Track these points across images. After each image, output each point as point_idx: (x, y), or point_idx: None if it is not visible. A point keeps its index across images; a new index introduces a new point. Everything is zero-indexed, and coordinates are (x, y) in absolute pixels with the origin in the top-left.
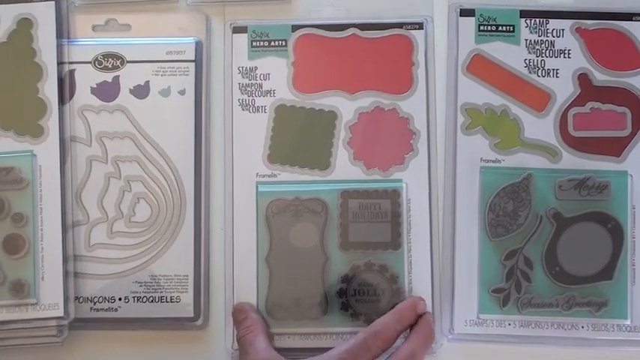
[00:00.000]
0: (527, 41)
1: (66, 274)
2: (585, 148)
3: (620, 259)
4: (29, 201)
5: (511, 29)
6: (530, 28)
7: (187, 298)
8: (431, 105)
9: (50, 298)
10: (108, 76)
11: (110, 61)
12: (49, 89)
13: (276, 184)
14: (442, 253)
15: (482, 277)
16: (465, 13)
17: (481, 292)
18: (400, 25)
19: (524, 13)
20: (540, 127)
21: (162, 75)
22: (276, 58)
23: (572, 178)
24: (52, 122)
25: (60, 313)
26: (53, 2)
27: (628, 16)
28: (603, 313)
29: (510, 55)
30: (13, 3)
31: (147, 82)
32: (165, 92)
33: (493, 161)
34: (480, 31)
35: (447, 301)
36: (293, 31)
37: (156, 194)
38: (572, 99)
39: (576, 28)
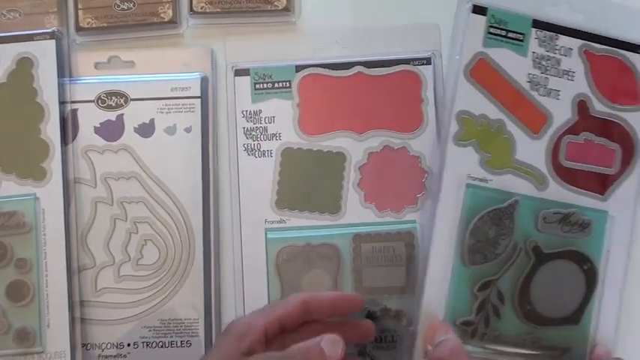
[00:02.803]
0: (535, 54)
1: (72, 320)
2: (573, 180)
3: (589, 304)
4: (33, 246)
5: (520, 37)
6: (539, 41)
7: (198, 342)
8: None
9: (57, 346)
10: (112, 115)
11: (114, 99)
12: (51, 130)
13: (285, 230)
14: (420, 269)
15: (452, 306)
16: (478, 10)
17: (448, 321)
18: (407, 62)
19: (537, 23)
20: (533, 151)
21: (167, 112)
22: (280, 100)
23: (557, 212)
24: (54, 164)
25: None
26: (54, 40)
27: (634, 47)
28: (564, 359)
29: (516, 66)
30: (13, 42)
31: (152, 120)
32: (170, 130)
33: (481, 179)
34: (489, 33)
35: (414, 326)
36: (297, 72)
37: (163, 236)
38: (568, 126)
39: (584, 50)
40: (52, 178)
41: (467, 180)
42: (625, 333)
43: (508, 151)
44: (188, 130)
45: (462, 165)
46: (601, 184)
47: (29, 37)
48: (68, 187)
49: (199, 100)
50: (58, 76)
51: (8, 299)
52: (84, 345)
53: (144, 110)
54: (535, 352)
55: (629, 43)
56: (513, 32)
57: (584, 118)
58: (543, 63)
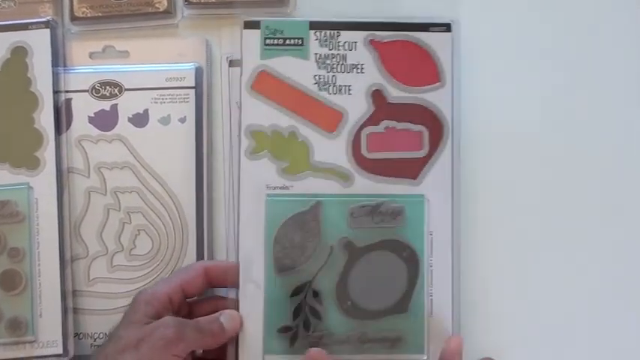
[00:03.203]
0: (317, 55)
1: (65, 310)
2: (380, 170)
3: (416, 290)
4: (26, 235)
5: (300, 42)
6: (320, 41)
7: None
8: None
9: (49, 335)
10: (106, 105)
11: (108, 89)
12: (45, 119)
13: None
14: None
15: (269, 315)
16: (250, 25)
17: (266, 331)
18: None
19: (314, 25)
20: (331, 149)
21: (161, 102)
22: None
23: (365, 205)
24: (48, 153)
25: (59, 350)
26: (48, 30)
27: (424, 27)
28: (398, 348)
29: (299, 71)
30: (7, 31)
31: (146, 111)
32: (165, 120)
33: (281, 188)
34: (266, 45)
35: (231, 342)
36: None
37: (157, 226)
38: (366, 118)
39: (370, 40)
40: (46, 168)
41: (266, 190)
42: (462, 314)
43: (305, 155)
44: (182, 120)
45: (259, 177)
46: (412, 169)
47: (24, 26)
48: (62, 177)
49: (194, 90)
50: (53, 66)
51: (1, 288)
52: (76, 334)
53: (138, 100)
54: (364, 346)
55: (417, 24)
56: (291, 39)
57: (382, 107)
58: (328, 62)
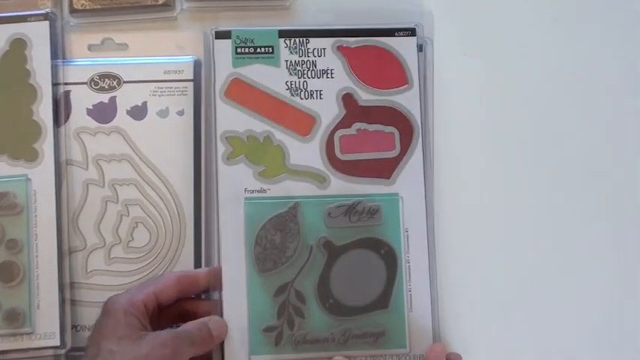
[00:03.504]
0: (288, 62)
1: (62, 302)
2: (354, 171)
3: (395, 286)
4: (24, 227)
5: (270, 50)
6: (290, 49)
7: None
8: None
9: (46, 327)
10: (104, 97)
11: (106, 81)
12: (43, 111)
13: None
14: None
15: (253, 315)
16: (221, 35)
17: (252, 331)
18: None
19: (283, 33)
20: (306, 152)
21: (160, 95)
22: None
23: (341, 204)
24: (47, 145)
25: (56, 342)
26: (47, 22)
27: (390, 32)
28: (381, 343)
29: (271, 77)
30: (6, 23)
31: (144, 103)
32: (163, 113)
33: (258, 191)
34: (237, 53)
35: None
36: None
37: (154, 218)
38: (338, 121)
39: (338, 47)
40: (44, 160)
41: (244, 194)
42: (441, 307)
43: (281, 159)
44: (180, 113)
45: (237, 181)
46: (385, 169)
47: (23, 19)
48: (60, 169)
49: (192, 83)
50: (52, 58)
51: None
52: (74, 326)
53: (137, 93)
54: (348, 343)
55: (383, 29)
56: (262, 47)
57: (353, 110)
58: (298, 68)
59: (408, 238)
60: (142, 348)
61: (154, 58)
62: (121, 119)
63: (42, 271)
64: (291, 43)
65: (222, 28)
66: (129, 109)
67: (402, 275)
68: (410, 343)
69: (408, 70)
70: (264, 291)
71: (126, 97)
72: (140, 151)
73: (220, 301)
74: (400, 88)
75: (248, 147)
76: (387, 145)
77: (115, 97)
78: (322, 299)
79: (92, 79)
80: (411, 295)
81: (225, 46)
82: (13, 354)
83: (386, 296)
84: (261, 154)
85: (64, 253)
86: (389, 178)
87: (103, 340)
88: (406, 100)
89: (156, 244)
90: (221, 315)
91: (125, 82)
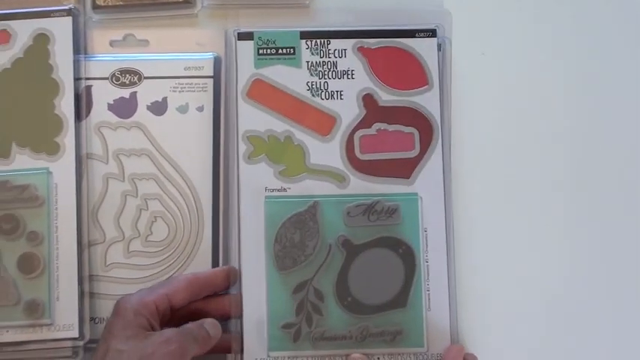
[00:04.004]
0: (309, 63)
1: (82, 294)
2: (374, 171)
3: (414, 286)
4: (45, 219)
5: (292, 51)
6: (311, 50)
7: None
8: None
9: (65, 318)
10: (125, 93)
11: (128, 77)
12: (65, 105)
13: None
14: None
15: (272, 312)
16: (243, 36)
17: (271, 328)
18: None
19: (305, 35)
20: (326, 152)
21: (180, 91)
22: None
23: (360, 204)
24: (68, 139)
25: (75, 334)
26: (70, 17)
27: (411, 33)
28: (398, 341)
29: (292, 78)
30: (30, 18)
31: (164, 99)
32: (183, 109)
33: (279, 190)
34: (259, 54)
35: (236, 338)
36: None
37: (173, 213)
38: (358, 121)
39: (359, 48)
40: (65, 153)
41: (265, 193)
42: (459, 307)
43: (301, 158)
44: (200, 109)
45: (258, 180)
46: (405, 169)
47: (46, 14)
48: (80, 163)
49: (212, 79)
50: (74, 53)
51: (19, 271)
52: (92, 319)
53: (157, 88)
54: (366, 341)
55: (404, 30)
56: (283, 48)
57: (373, 111)
58: (319, 69)
59: (426, 237)
60: (147, 347)
61: (174, 54)
62: (142, 114)
63: (62, 263)
64: (313, 45)
65: (245, 29)
66: (149, 104)
67: (421, 274)
68: (427, 342)
69: (428, 70)
70: (283, 288)
71: (146, 93)
72: (160, 146)
73: (240, 297)
74: (420, 88)
75: (269, 146)
76: (406, 145)
77: (135, 92)
78: (340, 297)
79: (113, 75)
80: (429, 294)
81: (247, 47)
82: (33, 345)
83: (404, 295)
84: (281, 154)
85: (83, 245)
86: (408, 178)
87: (112, 339)
88: (426, 101)
89: (174, 238)
90: (240, 312)
91: (146, 77)
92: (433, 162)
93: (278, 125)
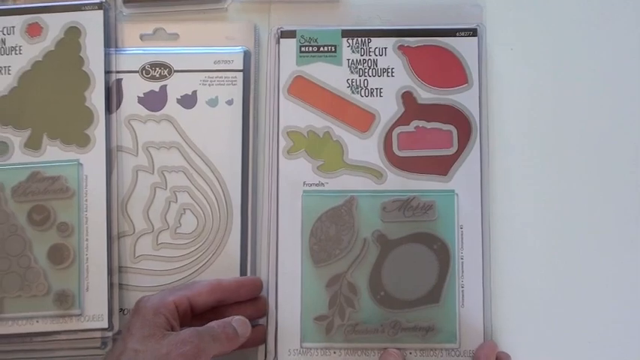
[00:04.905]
0: (350, 61)
1: (111, 285)
2: (411, 167)
3: (447, 282)
4: (75, 211)
5: (333, 49)
6: (352, 48)
7: None
8: None
9: (95, 309)
10: (155, 86)
11: (158, 70)
12: (96, 98)
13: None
14: (267, 280)
15: (306, 304)
16: (286, 35)
17: (304, 319)
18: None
19: (346, 33)
20: (364, 148)
21: (209, 85)
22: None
23: (396, 199)
24: (98, 131)
25: (104, 324)
26: (101, 11)
27: (452, 32)
28: (430, 337)
29: (333, 75)
30: (62, 12)
31: (194, 92)
32: (212, 102)
33: (317, 184)
34: (301, 52)
35: (271, 329)
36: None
37: (202, 205)
38: (397, 118)
39: (399, 46)
40: (96, 145)
41: (303, 187)
42: (493, 306)
43: (339, 154)
44: (230, 102)
45: (296, 174)
46: (442, 166)
47: (78, 7)
48: (111, 155)
49: (241, 73)
50: (105, 46)
51: (49, 262)
52: (121, 310)
53: (187, 82)
54: (398, 335)
55: (445, 29)
56: (325, 46)
57: (412, 108)
58: (360, 67)
59: (462, 234)
60: (162, 347)
61: (204, 48)
62: (171, 107)
63: (91, 254)
64: (354, 43)
65: (288, 27)
66: (179, 97)
67: (455, 271)
68: (460, 338)
69: (467, 69)
70: (318, 281)
71: (176, 86)
72: (189, 139)
73: (275, 288)
74: (459, 87)
75: (308, 142)
76: (444, 143)
77: (165, 85)
78: (374, 291)
79: (144, 68)
80: (463, 291)
81: (289, 45)
82: (62, 335)
83: (437, 291)
84: (320, 149)
85: (113, 237)
86: (445, 175)
87: (130, 337)
88: (465, 99)
89: (203, 230)
90: (276, 307)
91: (176, 71)
92: (471, 160)
93: (318, 121)
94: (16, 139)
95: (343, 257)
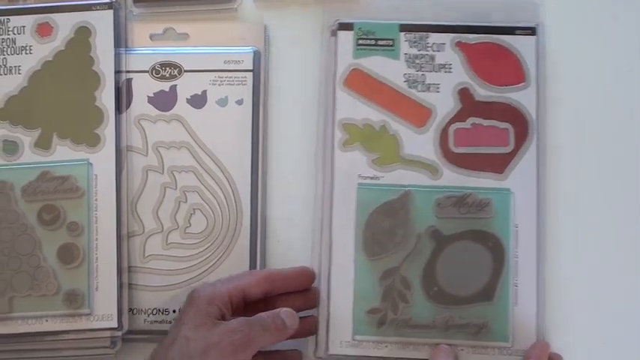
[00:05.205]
0: (407, 55)
1: (120, 285)
2: (467, 164)
3: (501, 280)
4: (84, 210)
5: (390, 43)
6: (410, 43)
7: None
8: None
9: (104, 308)
10: (165, 86)
11: (168, 70)
12: (106, 98)
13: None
14: (319, 272)
15: (358, 296)
16: (344, 27)
17: (356, 312)
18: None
19: (404, 27)
20: (420, 143)
21: (219, 85)
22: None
23: (451, 195)
24: (108, 131)
25: (114, 324)
26: (111, 11)
27: (510, 30)
28: (483, 335)
29: (390, 69)
30: (72, 11)
31: (204, 92)
32: (222, 102)
33: (371, 178)
34: (358, 45)
35: (323, 320)
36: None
37: (212, 205)
38: (453, 114)
39: (457, 42)
40: (106, 145)
41: (358, 180)
42: (547, 305)
43: (395, 148)
44: (239, 102)
45: (352, 167)
46: (498, 164)
47: (88, 7)
48: (120, 154)
49: (251, 73)
50: (115, 46)
51: (59, 261)
52: (130, 309)
53: (197, 82)
54: (449, 332)
55: (503, 27)
56: (383, 40)
57: (469, 105)
58: (417, 61)
59: (517, 233)
60: (213, 335)
61: (214, 48)
62: (181, 107)
63: (101, 254)
64: (412, 37)
65: (345, 20)
66: (189, 97)
67: (509, 269)
68: (513, 337)
69: (526, 67)
70: (371, 274)
71: (186, 86)
72: (199, 138)
73: (328, 281)
74: (517, 85)
75: (364, 135)
76: (500, 141)
77: (175, 85)
78: (427, 286)
79: (154, 68)
80: (517, 289)
81: (347, 38)
82: (71, 334)
83: (491, 289)
84: (376, 143)
85: (122, 237)
86: (501, 173)
87: (182, 326)
88: (522, 98)
89: (212, 230)
90: (328, 299)
91: (186, 71)
92: (527, 158)
93: (374, 114)
94: (26, 138)
95: (397, 251)
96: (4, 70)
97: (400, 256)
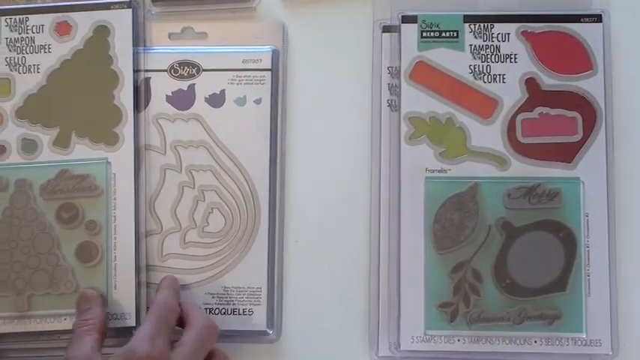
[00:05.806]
0: (472, 47)
1: (139, 283)
2: (535, 154)
3: (574, 270)
4: (103, 209)
5: (455, 35)
6: (474, 34)
7: (260, 311)
8: None
9: (122, 307)
10: (183, 85)
11: (186, 69)
12: (124, 97)
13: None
14: (388, 266)
15: (429, 291)
16: (408, 19)
17: (428, 306)
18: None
19: (468, 18)
20: (487, 135)
21: (237, 84)
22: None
23: (521, 186)
24: (127, 130)
25: (132, 322)
26: (130, 10)
27: (576, 18)
28: (557, 326)
29: (455, 61)
30: (91, 10)
31: (222, 91)
32: (240, 101)
33: (439, 171)
34: (422, 37)
35: (393, 316)
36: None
37: (230, 204)
38: (520, 104)
39: (522, 32)
40: (124, 144)
41: (425, 173)
42: (620, 293)
43: (462, 140)
44: (258, 101)
45: (419, 160)
46: (567, 153)
47: (107, 6)
48: (139, 153)
49: (270, 72)
50: (133, 45)
51: (77, 259)
52: (148, 308)
53: (215, 81)
54: (523, 323)
55: (569, 15)
56: (447, 31)
57: (536, 94)
58: (482, 52)
59: (588, 223)
60: None
61: (232, 47)
62: (199, 106)
63: (119, 252)
64: (476, 28)
65: (409, 12)
66: (207, 96)
67: (581, 259)
68: (587, 328)
69: (592, 55)
70: (441, 268)
71: (204, 85)
72: (217, 137)
73: (398, 275)
74: (584, 73)
75: (430, 128)
76: (569, 130)
77: (193, 84)
78: (499, 279)
79: (172, 67)
80: (589, 279)
81: (411, 30)
82: None
83: (564, 279)
84: (442, 135)
85: (140, 235)
86: (570, 163)
87: None
88: (590, 86)
89: (230, 229)
90: (398, 294)
91: (204, 70)
92: (596, 147)
93: (440, 107)
94: (45, 137)
95: (467, 244)
96: (23, 68)
97: (471, 249)
